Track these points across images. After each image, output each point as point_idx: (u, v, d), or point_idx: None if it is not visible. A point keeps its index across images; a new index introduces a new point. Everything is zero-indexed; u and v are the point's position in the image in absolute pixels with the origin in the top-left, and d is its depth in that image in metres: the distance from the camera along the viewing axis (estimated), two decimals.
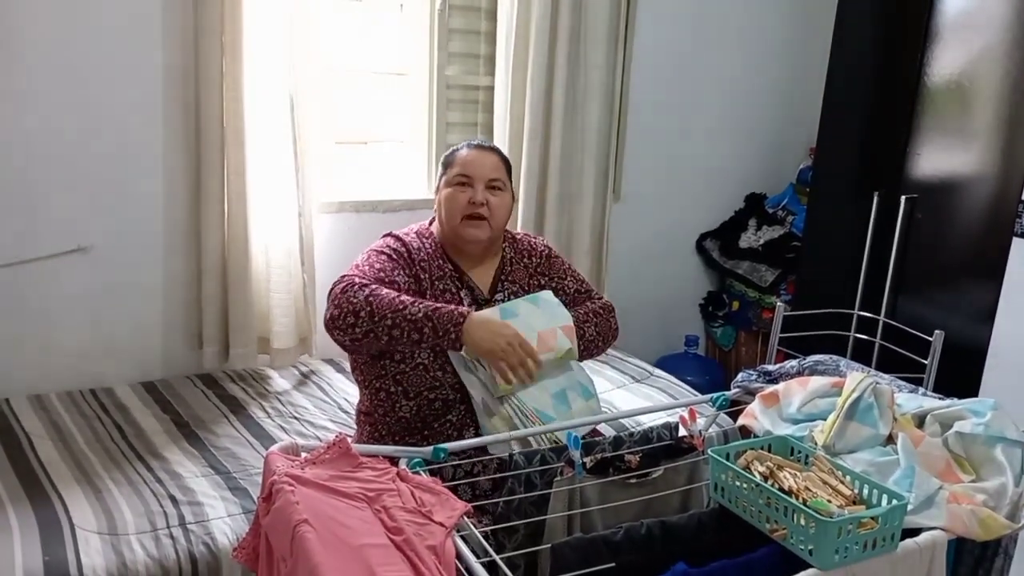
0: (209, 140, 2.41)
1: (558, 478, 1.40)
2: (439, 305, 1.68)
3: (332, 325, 1.71)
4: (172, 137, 2.45)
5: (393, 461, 1.34)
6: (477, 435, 1.70)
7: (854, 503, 1.22)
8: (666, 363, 3.32)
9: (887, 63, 2.76)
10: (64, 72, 2.28)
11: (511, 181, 1.93)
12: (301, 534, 1.08)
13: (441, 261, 1.86)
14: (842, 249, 2.91)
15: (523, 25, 2.83)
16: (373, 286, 1.71)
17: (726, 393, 1.70)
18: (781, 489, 1.21)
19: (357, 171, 2.92)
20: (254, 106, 2.44)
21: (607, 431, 2.10)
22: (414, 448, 1.40)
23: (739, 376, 1.77)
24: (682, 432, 1.57)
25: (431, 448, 1.39)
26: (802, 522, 1.15)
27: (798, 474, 1.26)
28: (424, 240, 1.89)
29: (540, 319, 1.78)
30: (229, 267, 2.51)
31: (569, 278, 2.01)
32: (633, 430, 1.59)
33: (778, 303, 2.82)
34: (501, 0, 2.84)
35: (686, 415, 1.56)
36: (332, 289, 1.75)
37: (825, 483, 1.25)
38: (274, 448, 1.30)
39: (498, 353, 1.65)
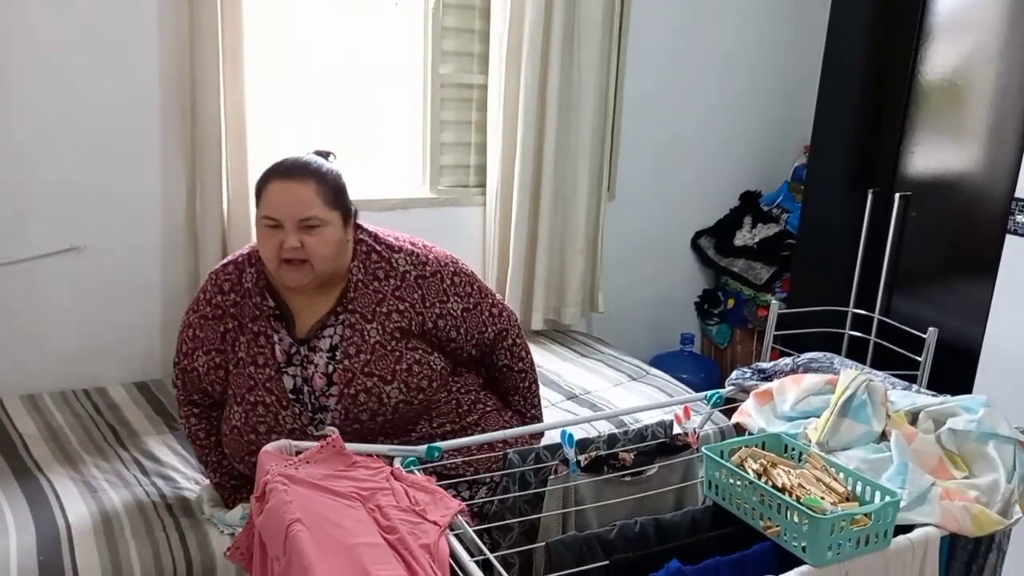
0: (207, 141, 2.40)
1: (552, 476, 1.40)
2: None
3: None
4: (168, 137, 2.45)
5: (387, 460, 1.34)
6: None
7: (847, 500, 1.22)
8: (662, 361, 3.32)
9: (881, 61, 2.76)
10: (58, 71, 2.27)
11: (340, 203, 1.64)
12: (294, 533, 1.08)
13: (259, 298, 1.68)
14: (837, 247, 2.91)
15: (517, 23, 2.83)
16: (189, 422, 1.82)
17: (721, 391, 1.70)
18: (775, 486, 1.22)
19: (352, 169, 2.91)
20: (253, 106, 2.44)
21: (603, 429, 2.11)
22: (408, 447, 1.40)
23: (734, 374, 1.77)
24: (677, 430, 1.58)
25: (425, 447, 1.39)
26: (795, 519, 1.15)
27: (792, 471, 1.26)
28: (254, 268, 1.70)
29: None
30: None
31: (452, 299, 1.72)
32: (628, 428, 1.59)
33: (773, 301, 2.82)
34: None
35: (681, 413, 1.56)
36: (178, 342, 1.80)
37: (818, 480, 1.25)
38: (268, 447, 1.29)
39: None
